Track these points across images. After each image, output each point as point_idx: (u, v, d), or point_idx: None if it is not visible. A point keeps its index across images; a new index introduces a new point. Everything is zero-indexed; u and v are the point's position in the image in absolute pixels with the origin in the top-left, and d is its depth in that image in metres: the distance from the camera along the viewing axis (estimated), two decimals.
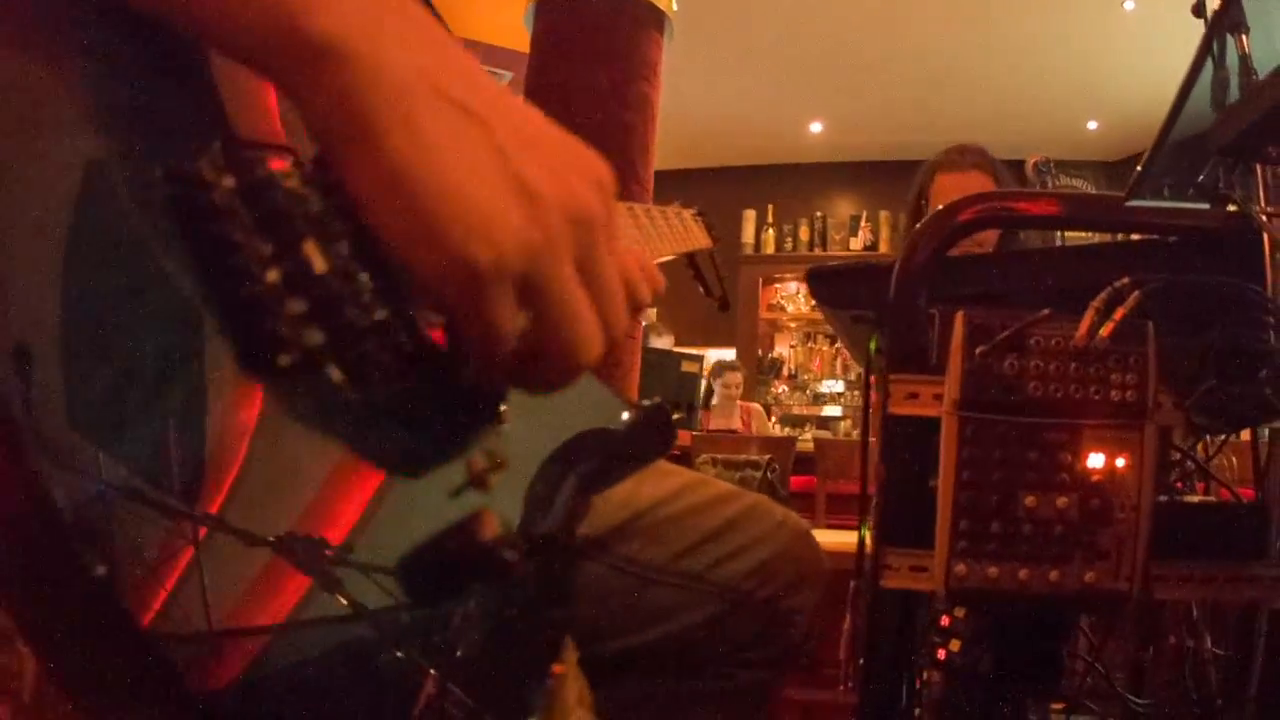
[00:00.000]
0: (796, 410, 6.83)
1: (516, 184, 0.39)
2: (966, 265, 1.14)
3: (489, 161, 0.39)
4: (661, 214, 1.05)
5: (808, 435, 5.96)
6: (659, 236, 1.01)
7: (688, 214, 1.19)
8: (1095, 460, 0.97)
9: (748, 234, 6.93)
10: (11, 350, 0.29)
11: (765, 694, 0.95)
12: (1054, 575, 0.97)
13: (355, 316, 0.38)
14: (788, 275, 6.99)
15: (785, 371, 6.89)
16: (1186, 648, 1.19)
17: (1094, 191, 6.54)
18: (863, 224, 6.73)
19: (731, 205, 7.00)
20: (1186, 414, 1.00)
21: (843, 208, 6.94)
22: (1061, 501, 0.96)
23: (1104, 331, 0.94)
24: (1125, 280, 0.95)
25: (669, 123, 4.13)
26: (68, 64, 0.35)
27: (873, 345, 1.18)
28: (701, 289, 1.39)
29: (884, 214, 6.74)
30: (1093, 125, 6.12)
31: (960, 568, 0.98)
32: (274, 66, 0.37)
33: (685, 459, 4.14)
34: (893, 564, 1.05)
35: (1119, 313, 0.94)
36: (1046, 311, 0.98)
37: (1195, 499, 1.12)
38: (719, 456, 3.96)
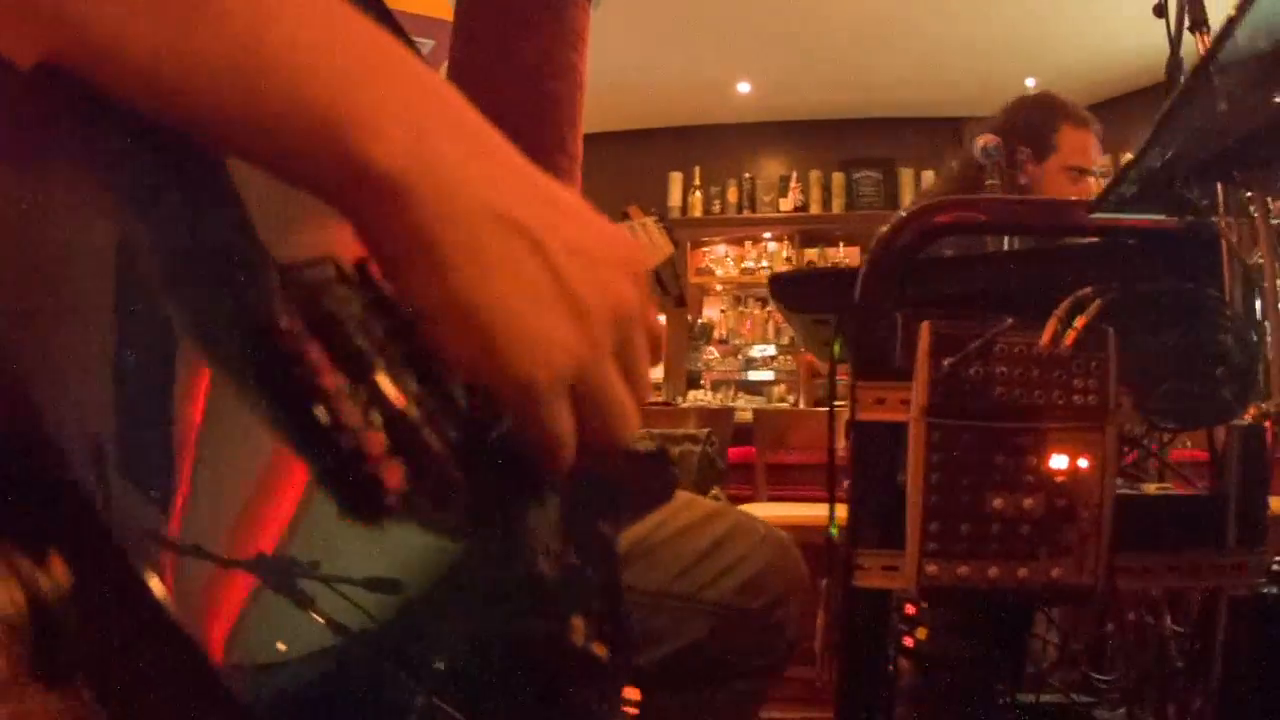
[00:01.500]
0: (730, 376, 6.88)
1: (569, 301, 0.43)
2: (930, 267, 1.16)
3: (545, 282, 0.43)
4: (629, 233, 1.05)
5: (745, 406, 6.03)
6: None
7: (650, 223, 1.19)
8: (1059, 461, 1.00)
9: (674, 197, 6.91)
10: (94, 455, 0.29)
11: (755, 699, 0.99)
12: (1022, 572, 1.01)
13: (433, 441, 0.40)
14: (716, 239, 7.00)
15: (716, 336, 6.93)
16: (1147, 625, 1.24)
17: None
18: (792, 184, 6.75)
19: (657, 168, 6.98)
20: (1146, 414, 1.04)
21: (771, 168, 6.96)
22: (1028, 502, 1.00)
23: (1067, 340, 0.97)
24: (1087, 289, 0.98)
25: (593, 85, 4.08)
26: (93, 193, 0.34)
27: (836, 349, 1.20)
28: (660, 290, 1.41)
29: (814, 174, 6.77)
30: (1031, 82, 6.19)
31: (931, 568, 1.01)
32: (331, 194, 0.39)
33: None
34: (864, 564, 1.07)
35: (1081, 321, 0.97)
36: (1010, 321, 1.01)
37: (1154, 488, 1.17)
38: (656, 431, 3.99)
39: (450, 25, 4.15)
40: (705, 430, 3.91)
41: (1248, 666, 1.08)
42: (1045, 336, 0.98)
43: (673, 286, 1.40)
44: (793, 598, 0.97)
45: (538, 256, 0.42)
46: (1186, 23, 1.21)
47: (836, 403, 1.23)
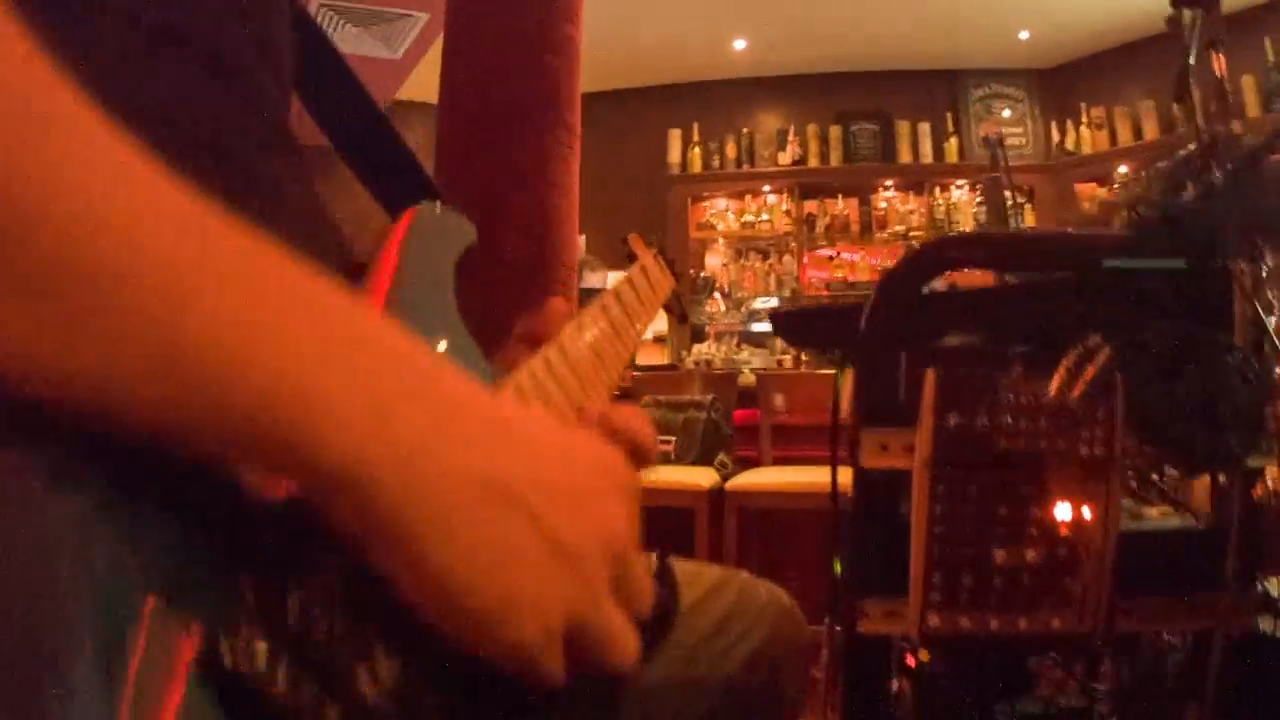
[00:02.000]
0: (734, 328, 6.86)
1: (557, 550, 0.40)
2: (941, 301, 1.14)
3: (529, 538, 0.40)
4: (630, 287, 1.02)
5: (748, 358, 6.03)
6: (634, 316, 0.98)
7: (652, 259, 1.17)
8: (1063, 511, 0.99)
9: (674, 154, 6.84)
10: None
11: None
12: (1023, 623, 1.00)
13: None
14: (717, 194, 6.94)
15: (718, 289, 6.89)
16: (1144, 636, 1.24)
17: (1026, 102, 6.58)
18: (790, 138, 6.68)
19: (657, 125, 6.91)
20: (1154, 459, 1.02)
21: (769, 123, 6.88)
22: (1030, 554, 0.99)
23: (1074, 392, 0.95)
24: (1097, 336, 0.96)
25: (591, 44, 4.03)
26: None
27: (839, 383, 1.18)
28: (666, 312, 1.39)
29: (811, 127, 6.70)
30: (1024, 35, 6.10)
31: (934, 618, 1.01)
32: (286, 478, 0.36)
33: (628, 399, 4.16)
34: (868, 610, 1.07)
35: (1089, 371, 0.95)
36: (1018, 370, 0.99)
37: (1156, 513, 1.16)
38: (661, 398, 3.98)
39: (437, 4, 4.01)
40: (710, 396, 3.92)
41: (1241, 692, 1.08)
42: (1053, 387, 0.97)
43: (677, 309, 1.38)
44: (796, 662, 0.97)
45: (520, 513, 0.40)
46: None
47: None
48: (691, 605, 0.91)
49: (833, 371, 4.27)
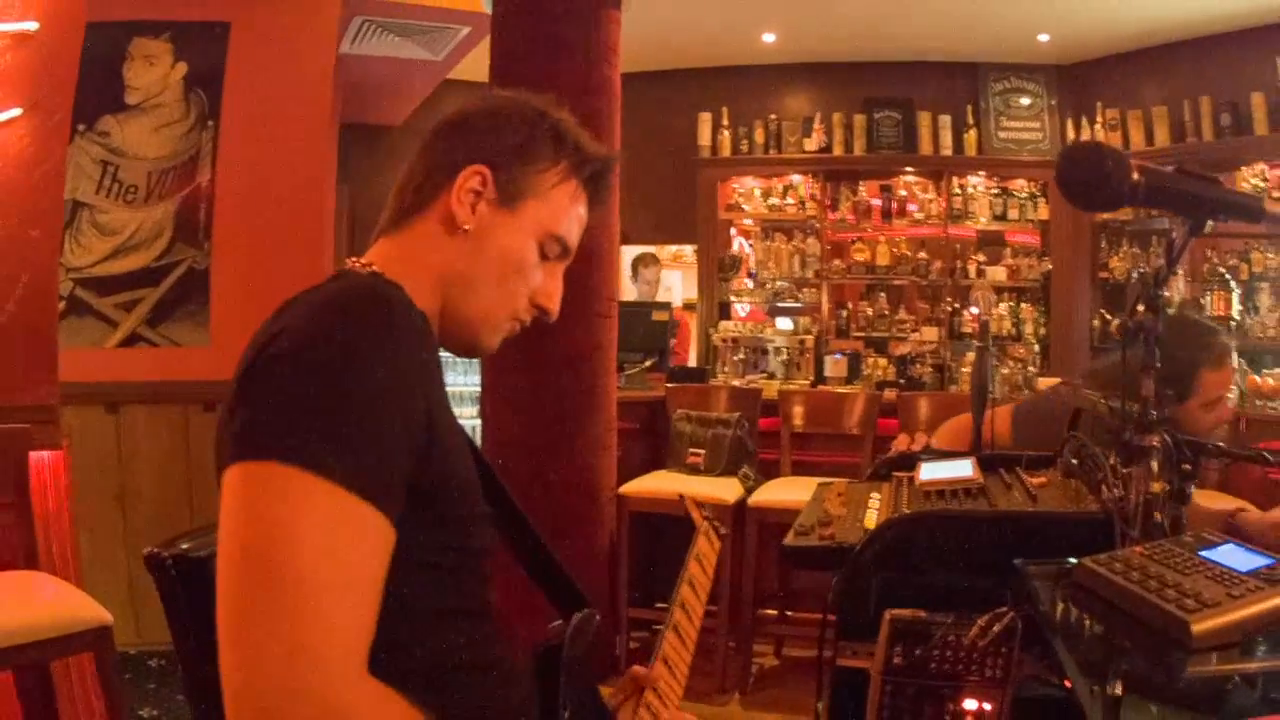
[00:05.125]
0: (759, 307, 7.23)
1: None
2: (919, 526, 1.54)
3: None
4: (691, 590, 1.42)
5: (772, 336, 6.43)
6: (698, 613, 1.40)
7: (707, 526, 1.56)
8: (970, 705, 1.41)
9: (704, 136, 7.14)
10: None
11: None
12: None
13: None
14: (745, 175, 7.25)
15: (745, 269, 7.24)
16: None
17: (1044, 97, 6.78)
18: (816, 125, 6.96)
19: (687, 108, 7.19)
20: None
21: (796, 108, 7.15)
22: None
23: (982, 642, 1.37)
24: (1008, 611, 1.36)
25: (627, 25, 4.27)
26: None
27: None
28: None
29: (836, 115, 6.97)
30: (1044, 38, 6.31)
31: None
32: None
33: (662, 411, 4.58)
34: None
35: (996, 628, 1.36)
36: (950, 620, 1.41)
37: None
38: (693, 413, 4.39)
39: (483, 15, 4.34)
40: (736, 415, 4.33)
41: None
42: (971, 635, 1.38)
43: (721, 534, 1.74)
44: None
45: None
46: None
47: None
48: None
49: (844, 391, 4.66)
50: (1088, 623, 1.15)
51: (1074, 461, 1.76)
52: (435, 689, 0.93)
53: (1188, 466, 1.75)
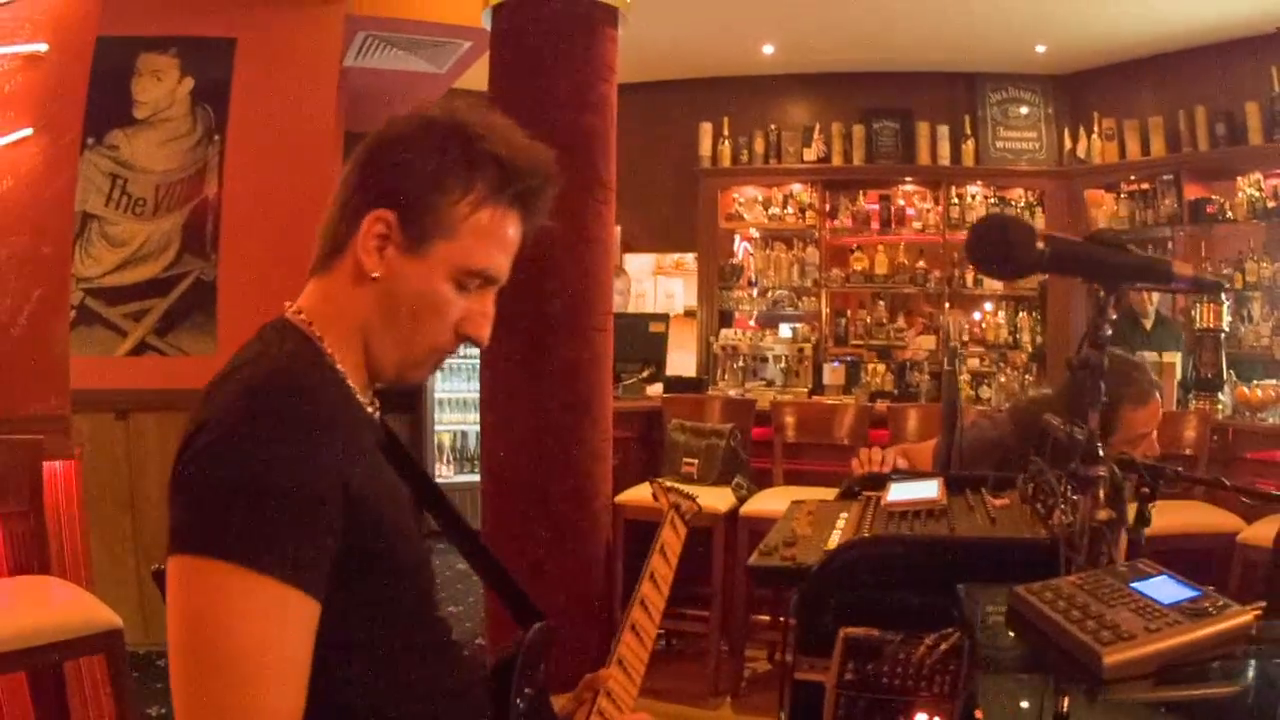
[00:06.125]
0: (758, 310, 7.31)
1: None
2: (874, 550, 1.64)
3: None
4: (653, 585, 1.52)
5: (771, 345, 6.53)
6: (658, 609, 1.50)
7: (668, 530, 1.64)
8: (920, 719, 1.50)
9: (705, 147, 7.23)
10: None
11: None
12: None
13: None
14: (746, 185, 7.35)
15: (745, 278, 7.33)
16: None
17: (1041, 106, 6.86)
18: (815, 136, 7.05)
19: (688, 119, 7.29)
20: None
21: (796, 118, 7.25)
22: None
23: (930, 660, 1.46)
24: (954, 632, 1.45)
25: (628, 36, 4.34)
26: None
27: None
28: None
29: (836, 126, 7.06)
30: (1041, 49, 6.38)
31: None
32: None
33: (658, 420, 4.68)
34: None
35: (944, 647, 1.45)
36: (899, 637, 1.50)
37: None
38: (688, 424, 4.48)
39: (481, 31, 4.42)
40: (729, 426, 4.43)
41: None
42: (919, 653, 1.47)
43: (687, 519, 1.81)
44: None
45: None
46: None
47: None
48: None
49: (835, 402, 4.75)
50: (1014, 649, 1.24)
51: (1029, 488, 1.86)
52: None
53: (1147, 490, 1.86)
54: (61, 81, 3.27)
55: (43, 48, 3.22)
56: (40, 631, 2.40)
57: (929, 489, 2.01)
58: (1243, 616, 1.08)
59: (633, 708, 1.32)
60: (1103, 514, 1.44)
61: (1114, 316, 1.41)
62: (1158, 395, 2.47)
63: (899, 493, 2.02)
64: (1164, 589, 1.17)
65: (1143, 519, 1.83)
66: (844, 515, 2.01)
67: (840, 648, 1.52)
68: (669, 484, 1.79)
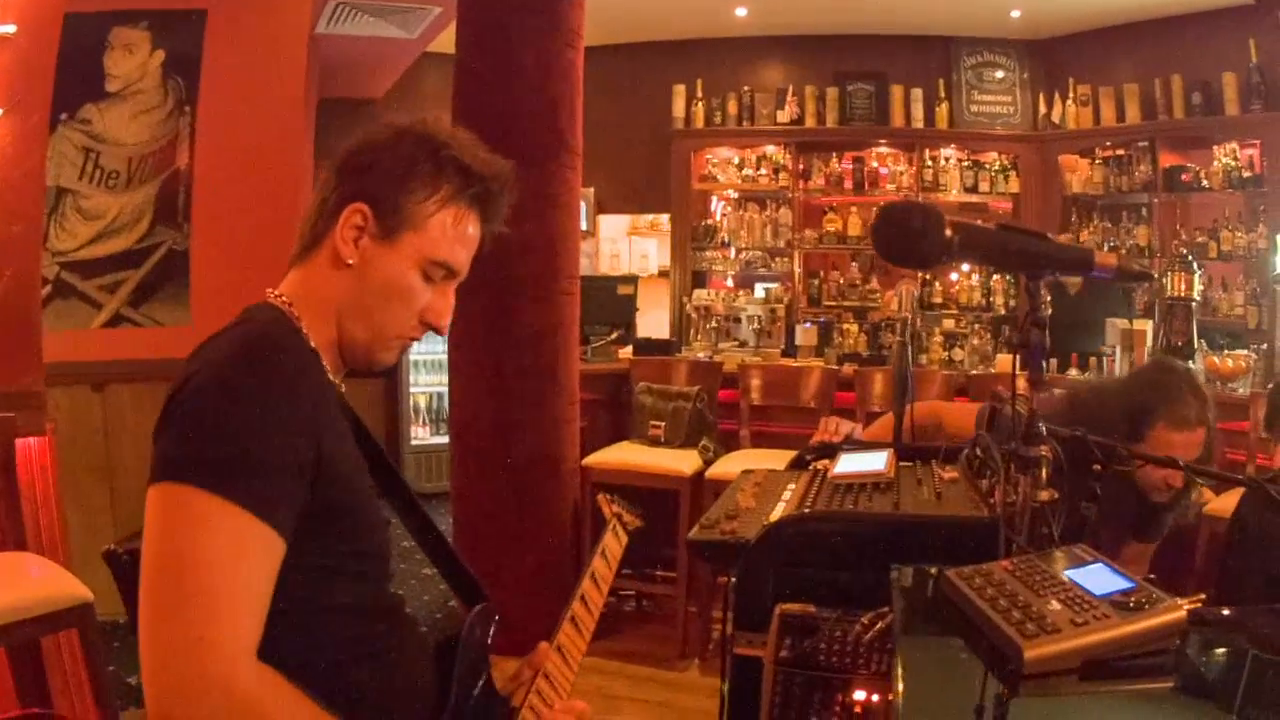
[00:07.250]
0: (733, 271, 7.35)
1: None
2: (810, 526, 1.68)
3: None
4: (593, 584, 1.59)
5: (744, 305, 6.58)
6: (597, 605, 1.57)
7: (610, 536, 1.71)
8: (859, 696, 1.58)
9: (678, 109, 7.22)
10: None
11: None
12: None
13: None
14: (720, 146, 7.35)
15: (719, 239, 7.36)
16: None
17: (1016, 71, 6.86)
18: (789, 98, 7.05)
19: (661, 80, 7.27)
20: None
21: (769, 80, 7.24)
22: None
23: (866, 637, 1.53)
24: (888, 612, 1.51)
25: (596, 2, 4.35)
26: None
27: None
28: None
29: (809, 88, 7.06)
30: (1015, 14, 6.38)
31: None
32: None
33: (627, 383, 4.74)
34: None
35: (880, 626, 1.52)
36: (837, 614, 1.57)
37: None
38: (654, 386, 4.54)
39: None
40: (695, 388, 4.49)
41: None
42: (855, 632, 1.54)
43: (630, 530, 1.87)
44: None
45: None
46: None
47: None
48: None
49: (801, 365, 4.80)
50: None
51: (977, 464, 1.92)
52: (329, 677, 1.12)
53: (1097, 467, 1.85)
54: (29, 62, 3.27)
55: (10, 29, 3.21)
56: (14, 608, 2.44)
57: (877, 461, 2.02)
58: (1174, 613, 1.03)
59: (569, 693, 1.40)
60: (1044, 494, 1.41)
61: (1048, 297, 1.41)
62: (1205, 431, 2.32)
63: (847, 465, 2.05)
64: (1098, 578, 1.12)
65: (1092, 494, 1.79)
66: (791, 487, 2.05)
67: (776, 625, 1.59)
68: (616, 500, 1.86)
